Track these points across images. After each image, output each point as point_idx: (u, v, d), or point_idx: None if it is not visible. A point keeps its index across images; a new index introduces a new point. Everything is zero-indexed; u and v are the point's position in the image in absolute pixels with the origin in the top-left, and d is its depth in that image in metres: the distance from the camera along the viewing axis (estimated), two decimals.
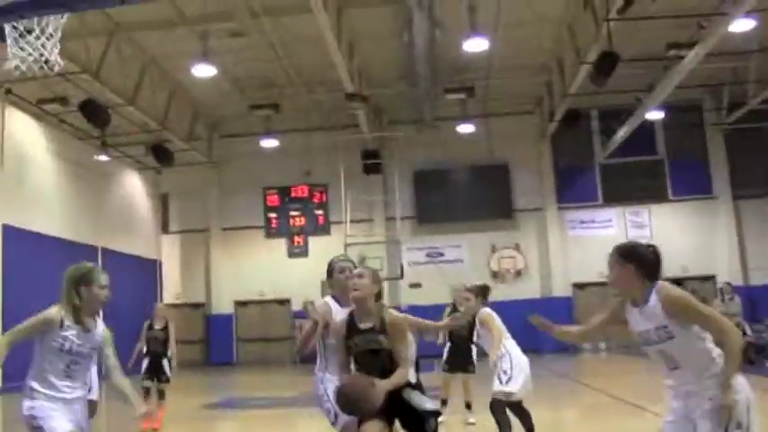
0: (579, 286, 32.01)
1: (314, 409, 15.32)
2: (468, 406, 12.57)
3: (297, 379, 24.30)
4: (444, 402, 12.48)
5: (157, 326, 14.50)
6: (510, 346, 9.63)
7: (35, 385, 5.78)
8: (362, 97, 26.00)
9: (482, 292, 10.24)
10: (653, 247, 5.19)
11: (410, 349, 6.69)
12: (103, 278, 6.01)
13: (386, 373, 6.06)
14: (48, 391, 5.79)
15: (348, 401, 6.09)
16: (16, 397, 6.62)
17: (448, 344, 12.76)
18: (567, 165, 32.92)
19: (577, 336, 6.28)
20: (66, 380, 5.87)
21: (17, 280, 22.46)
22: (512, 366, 9.29)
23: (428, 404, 6.20)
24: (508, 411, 9.28)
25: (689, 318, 4.91)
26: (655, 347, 5.03)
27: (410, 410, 6.16)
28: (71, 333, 5.89)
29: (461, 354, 12.52)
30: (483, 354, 10.80)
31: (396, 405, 6.18)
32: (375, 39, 24.99)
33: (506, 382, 9.18)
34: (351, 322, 6.19)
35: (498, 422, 9.17)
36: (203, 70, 24.12)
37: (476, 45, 22.96)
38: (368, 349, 6.18)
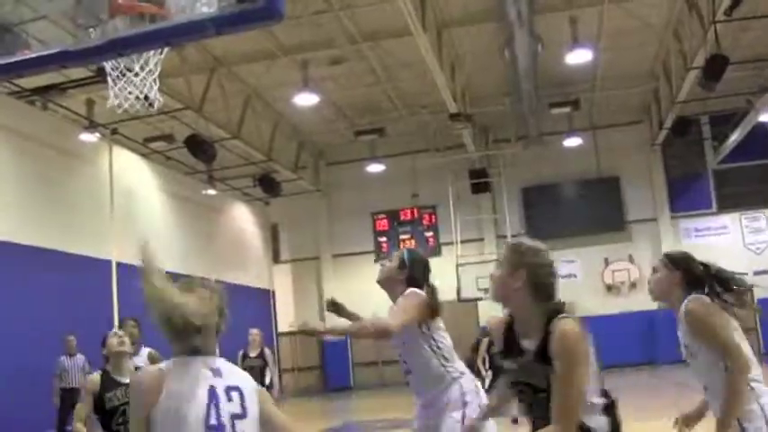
0: None
1: None
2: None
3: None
4: (515, 421, 13.15)
5: (252, 354, 14.35)
6: None
7: None
8: (466, 117, 25.87)
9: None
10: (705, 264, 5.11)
11: None
12: None
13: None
14: None
15: None
16: None
17: (489, 372, 14.64)
18: (678, 173, 32.27)
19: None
20: None
21: (133, 315, 22.35)
22: None
23: None
24: None
25: (703, 338, 4.80)
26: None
27: None
28: None
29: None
30: None
31: None
32: (476, 57, 24.74)
33: None
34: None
35: None
36: (305, 99, 24.31)
37: (579, 57, 22.73)
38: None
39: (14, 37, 6.98)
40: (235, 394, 3.71)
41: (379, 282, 5.93)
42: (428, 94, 25.01)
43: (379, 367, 33.04)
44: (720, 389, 4.65)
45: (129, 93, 8.16)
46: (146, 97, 8.03)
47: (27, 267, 19.44)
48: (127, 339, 7.36)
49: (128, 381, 6.48)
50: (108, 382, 6.82)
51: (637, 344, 29.45)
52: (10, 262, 18.65)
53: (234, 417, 3.61)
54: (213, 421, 3.57)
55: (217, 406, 3.60)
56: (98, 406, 6.89)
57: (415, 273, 5.74)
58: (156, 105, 8.53)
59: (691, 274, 5.05)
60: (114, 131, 24.17)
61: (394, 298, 5.71)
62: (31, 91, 20.58)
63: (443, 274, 30.28)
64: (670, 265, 5.16)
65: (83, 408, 7.02)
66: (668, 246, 30.79)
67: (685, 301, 4.91)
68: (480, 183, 32.03)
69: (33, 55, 5.90)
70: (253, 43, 21.49)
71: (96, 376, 7.02)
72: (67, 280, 20.77)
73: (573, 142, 30.75)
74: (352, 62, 24.07)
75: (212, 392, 3.63)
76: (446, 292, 28.12)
